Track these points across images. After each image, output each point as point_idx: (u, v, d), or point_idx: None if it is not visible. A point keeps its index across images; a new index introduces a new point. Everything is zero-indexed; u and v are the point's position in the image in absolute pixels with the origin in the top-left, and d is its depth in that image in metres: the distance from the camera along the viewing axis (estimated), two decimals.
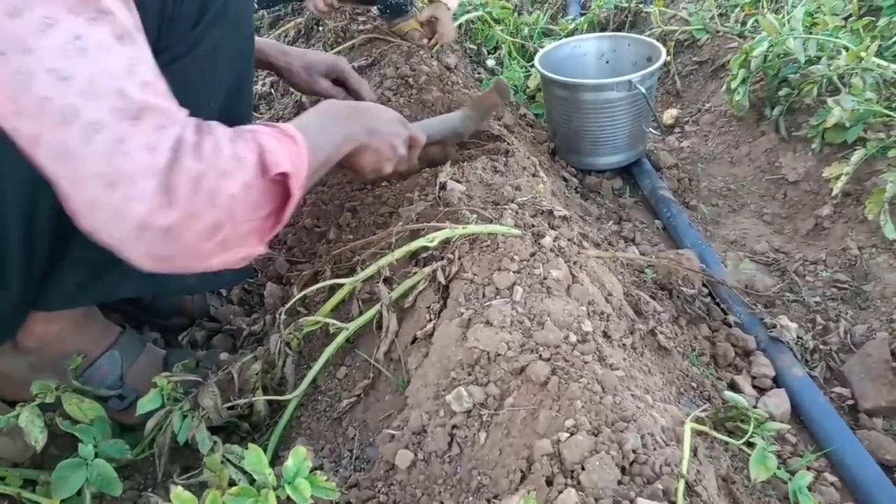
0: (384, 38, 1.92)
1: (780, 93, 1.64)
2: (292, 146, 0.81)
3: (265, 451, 1.02)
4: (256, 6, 1.90)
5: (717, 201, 1.68)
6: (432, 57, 1.79)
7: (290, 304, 1.07)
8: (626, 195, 1.72)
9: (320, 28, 2.14)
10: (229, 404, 1.01)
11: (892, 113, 1.30)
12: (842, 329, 1.27)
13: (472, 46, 2.22)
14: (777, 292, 1.36)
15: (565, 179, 1.69)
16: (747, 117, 1.77)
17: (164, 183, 0.66)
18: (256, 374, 1.04)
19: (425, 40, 1.88)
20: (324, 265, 1.21)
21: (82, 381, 1.04)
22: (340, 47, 1.97)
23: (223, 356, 1.20)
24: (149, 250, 0.69)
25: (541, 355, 0.86)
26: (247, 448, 1.04)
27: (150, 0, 0.69)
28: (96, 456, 0.92)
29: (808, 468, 1.00)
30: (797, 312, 1.33)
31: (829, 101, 1.40)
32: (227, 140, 0.73)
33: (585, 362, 0.86)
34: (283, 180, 0.78)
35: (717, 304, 1.31)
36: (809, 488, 0.96)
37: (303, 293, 1.09)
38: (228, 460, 0.88)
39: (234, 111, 0.96)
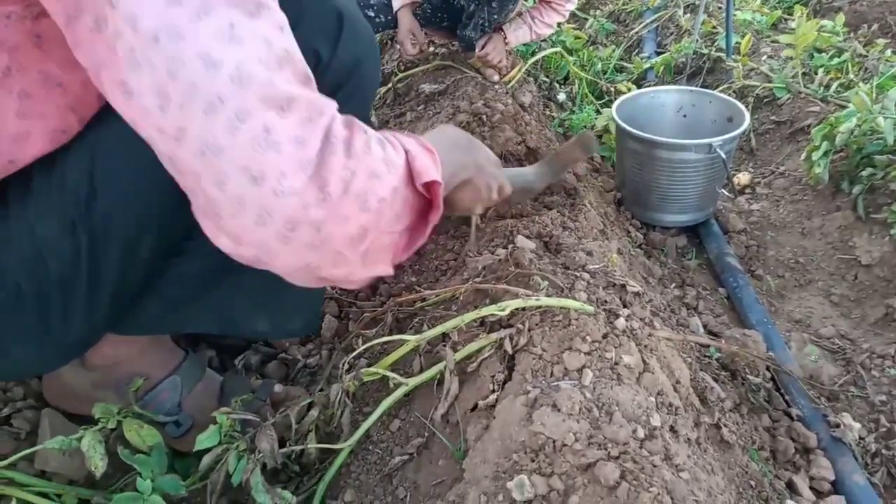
0: (458, 66, 1.91)
1: (863, 172, 1.58)
2: (433, 158, 0.79)
3: (313, 497, 1.03)
4: None
5: (784, 273, 1.63)
6: (507, 93, 1.78)
7: (353, 354, 1.06)
8: (690, 256, 1.68)
9: (396, 46, 2.14)
10: (284, 450, 1.01)
11: None
12: None
13: (545, 79, 2.20)
14: (841, 385, 1.31)
15: (629, 234, 1.66)
16: (823, 189, 1.71)
17: (314, 177, 0.62)
18: (313, 420, 1.05)
19: (497, 76, 1.87)
20: (385, 311, 1.21)
21: (142, 405, 1.06)
22: (415, 69, 1.97)
23: (277, 388, 1.21)
24: (296, 255, 0.66)
25: (609, 453, 0.84)
26: (295, 490, 1.06)
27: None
28: (153, 491, 0.93)
29: None
30: (860, 410, 1.28)
31: None
32: (377, 141, 0.70)
33: (654, 465, 0.84)
34: (423, 192, 0.76)
35: (780, 392, 1.27)
36: None
37: (365, 346, 1.09)
38: None
39: None
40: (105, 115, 0.77)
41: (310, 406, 1.06)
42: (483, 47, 1.85)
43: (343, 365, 1.06)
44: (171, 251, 0.89)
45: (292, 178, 0.61)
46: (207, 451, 1.00)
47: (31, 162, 0.77)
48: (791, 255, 1.65)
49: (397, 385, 1.06)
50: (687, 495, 0.83)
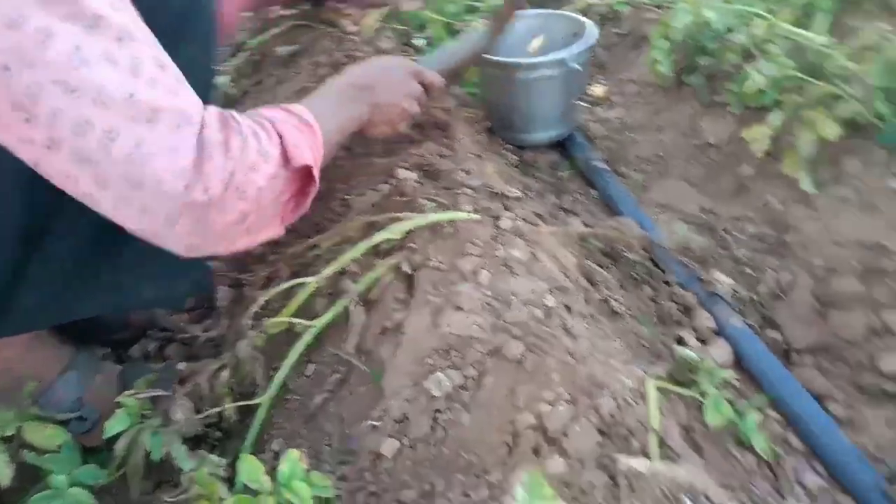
0: (311, 24, 1.88)
1: (701, 61, 1.72)
2: (311, 136, 0.85)
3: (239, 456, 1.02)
4: None
5: (647, 167, 1.76)
6: (365, 42, 1.78)
7: (255, 306, 1.05)
8: (562, 168, 1.78)
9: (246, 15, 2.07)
10: (201, 415, 1.00)
11: (805, 77, 1.40)
12: (770, 279, 1.37)
13: (401, 27, 2.21)
14: (709, 250, 1.45)
15: (503, 156, 1.73)
16: (669, 86, 1.85)
17: (193, 182, 0.68)
18: (225, 381, 1.04)
19: (353, 27, 1.86)
20: (280, 265, 1.21)
21: (39, 407, 1.00)
22: (267, 34, 1.92)
23: (181, 366, 1.18)
24: (179, 240, 0.73)
25: (513, 334, 0.90)
26: (222, 454, 1.04)
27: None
28: (70, 485, 0.90)
29: (755, 409, 1.09)
30: (728, 267, 1.42)
31: (748, 67, 1.49)
32: (252, 135, 0.76)
33: (555, 336, 0.91)
34: (303, 168, 0.83)
35: (657, 266, 1.39)
36: (758, 427, 1.06)
37: (265, 297, 1.08)
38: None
39: None
40: None
41: (219, 369, 1.05)
42: None
43: (246, 321, 1.05)
44: (39, 230, 0.85)
45: (170, 185, 0.67)
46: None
47: None
48: (650, 151, 1.78)
49: (305, 329, 1.07)
50: (587, 355, 0.90)
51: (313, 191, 0.88)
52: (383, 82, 1.10)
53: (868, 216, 1.37)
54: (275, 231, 0.87)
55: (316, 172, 0.85)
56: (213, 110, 0.74)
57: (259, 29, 1.98)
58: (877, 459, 1.12)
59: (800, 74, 1.42)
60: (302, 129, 0.85)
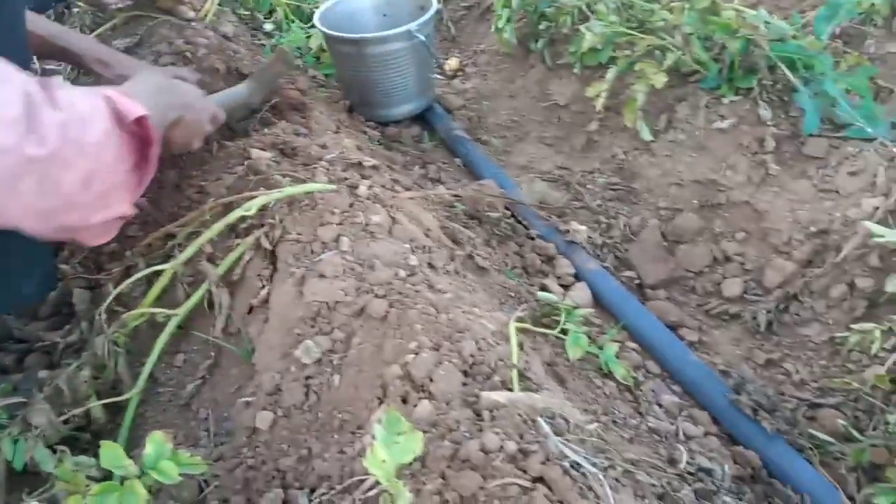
0: (147, 13, 1.79)
1: (541, 27, 1.82)
2: (134, 102, 0.86)
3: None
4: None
5: (505, 133, 1.84)
6: (207, 27, 1.72)
7: (107, 301, 1.01)
8: (425, 140, 1.82)
9: (73, 10, 1.94)
10: (64, 417, 0.95)
11: (633, 32, 1.52)
12: (621, 223, 1.49)
13: (245, 12, 2.16)
14: (565, 203, 1.55)
15: (366, 133, 1.74)
16: (517, 53, 1.94)
17: (28, 133, 0.68)
18: (86, 380, 0.99)
19: (192, 13, 1.80)
20: (135, 258, 1.16)
21: None
22: (101, 29, 1.80)
23: (42, 373, 1.11)
24: (28, 207, 0.71)
25: (376, 294, 0.92)
26: (95, 456, 1.00)
27: None
28: None
29: (614, 341, 1.18)
30: (584, 217, 1.52)
31: (582, 28, 1.59)
32: (79, 93, 0.78)
33: (418, 291, 0.94)
34: (138, 132, 0.85)
35: (520, 222, 1.46)
36: (616, 356, 1.15)
37: (118, 289, 1.04)
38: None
39: None
40: None
41: (78, 369, 1.00)
42: None
43: (100, 316, 1.00)
44: None
45: (3, 138, 0.66)
46: None
47: None
48: (507, 117, 1.86)
49: (168, 318, 1.04)
50: (450, 306, 0.94)
51: (153, 152, 0.88)
52: (188, 90, 1.13)
53: (700, 156, 1.51)
54: (125, 207, 0.86)
55: (151, 126, 0.86)
56: (31, 76, 0.74)
57: (92, 24, 1.87)
58: (725, 374, 1.25)
59: (628, 30, 1.53)
60: (126, 97, 0.86)
